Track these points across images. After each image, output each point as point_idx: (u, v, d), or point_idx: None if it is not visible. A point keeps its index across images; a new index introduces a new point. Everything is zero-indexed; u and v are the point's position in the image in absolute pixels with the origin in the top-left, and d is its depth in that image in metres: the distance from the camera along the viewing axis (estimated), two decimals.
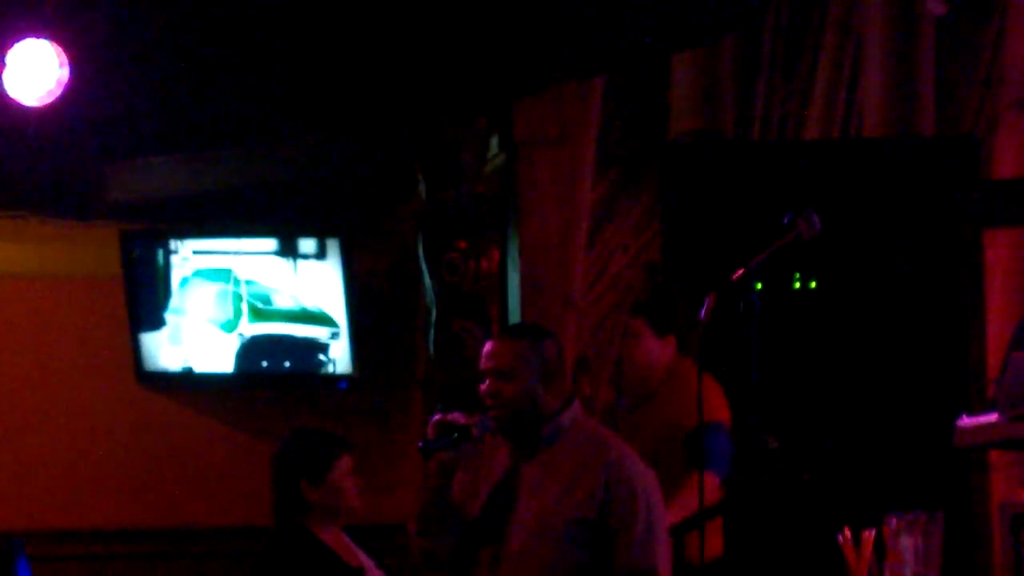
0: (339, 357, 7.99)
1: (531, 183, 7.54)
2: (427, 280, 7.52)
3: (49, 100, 6.57)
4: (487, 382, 4.93)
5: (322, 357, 8.02)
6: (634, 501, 4.80)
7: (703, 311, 4.47)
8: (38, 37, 6.50)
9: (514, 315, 7.49)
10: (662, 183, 7.50)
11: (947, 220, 7.35)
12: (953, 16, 7.36)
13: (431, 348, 7.57)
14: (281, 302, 8.03)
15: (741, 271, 4.50)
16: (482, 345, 5.10)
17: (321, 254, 7.92)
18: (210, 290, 8.10)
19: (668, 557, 4.88)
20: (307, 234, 7.94)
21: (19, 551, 7.79)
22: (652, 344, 6.28)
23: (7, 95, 6.48)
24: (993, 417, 5.34)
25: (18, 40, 6.47)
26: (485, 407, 4.95)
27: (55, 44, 6.54)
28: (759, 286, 4.58)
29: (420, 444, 4.97)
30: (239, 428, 8.18)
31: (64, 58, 6.54)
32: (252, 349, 8.08)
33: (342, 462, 5.35)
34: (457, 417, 4.95)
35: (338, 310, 7.93)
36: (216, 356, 8.11)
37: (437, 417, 5.00)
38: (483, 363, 4.97)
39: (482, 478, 5.03)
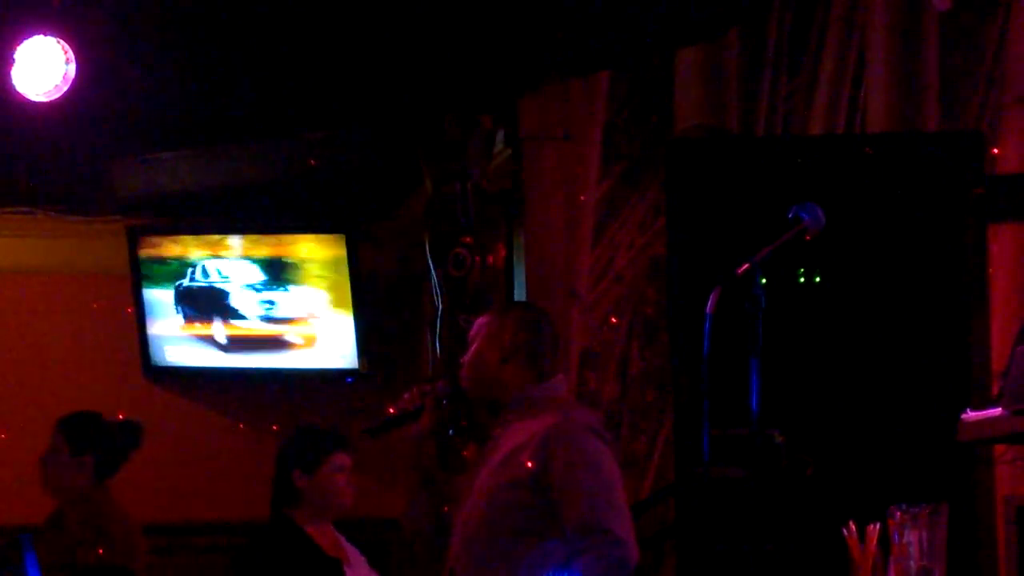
0: (345, 352, 8.01)
1: (536, 179, 7.56)
2: (433, 275, 7.54)
3: (57, 96, 6.59)
4: None
5: (328, 352, 8.04)
6: (575, 464, 4.80)
7: (709, 305, 4.49)
8: (45, 34, 6.53)
9: None
10: (667, 179, 7.51)
11: (952, 215, 7.36)
12: (957, 11, 7.36)
13: (437, 343, 7.58)
14: (288, 297, 8.05)
15: (746, 266, 4.51)
16: None
17: (328, 249, 7.94)
18: (217, 285, 8.12)
19: (624, 518, 4.85)
20: (314, 229, 7.96)
21: (27, 546, 7.82)
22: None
23: (15, 91, 6.51)
24: (997, 411, 5.35)
25: (26, 37, 6.49)
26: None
27: (62, 40, 6.56)
28: (764, 281, 4.59)
29: (364, 429, 5.06)
30: (246, 423, 8.21)
31: (71, 54, 6.56)
32: (259, 344, 8.11)
33: (336, 458, 5.41)
34: (412, 397, 5.02)
35: (344, 305, 7.95)
36: (223, 351, 8.14)
37: (394, 404, 5.08)
38: None
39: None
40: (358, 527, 5.58)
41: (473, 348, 5.03)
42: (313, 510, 5.40)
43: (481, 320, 5.11)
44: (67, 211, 8.16)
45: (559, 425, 4.88)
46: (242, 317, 8.11)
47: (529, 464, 4.80)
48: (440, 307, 7.55)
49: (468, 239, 7.48)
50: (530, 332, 5.03)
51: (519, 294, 7.55)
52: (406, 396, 5.08)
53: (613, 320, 7.50)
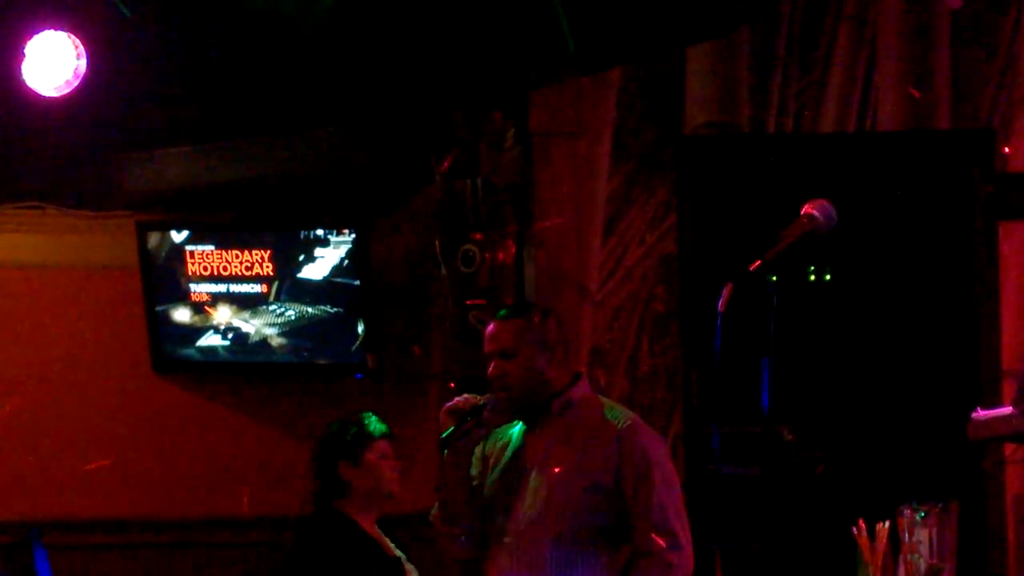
0: (354, 348, 8.01)
1: (547, 175, 7.56)
2: (443, 272, 7.54)
3: (67, 91, 6.59)
4: (492, 364, 5.02)
5: (337, 348, 8.04)
6: (649, 468, 4.86)
7: (720, 302, 4.48)
8: (56, 29, 6.53)
9: None
10: (678, 176, 7.51)
11: (962, 213, 7.36)
12: (969, 9, 7.35)
13: (446, 340, 7.58)
14: (297, 293, 8.05)
15: (757, 263, 4.51)
16: None
17: (337, 245, 7.94)
18: (226, 281, 8.13)
19: (686, 522, 4.91)
20: (323, 225, 7.95)
21: (37, 540, 7.83)
22: None
23: (26, 86, 6.51)
24: (1007, 410, 5.35)
25: (37, 32, 6.50)
26: (493, 389, 5.00)
27: (73, 36, 6.57)
28: (774, 278, 4.58)
29: (442, 438, 5.00)
30: (255, 418, 8.20)
31: (82, 49, 6.57)
32: (267, 339, 8.11)
33: (379, 445, 5.41)
34: (465, 401, 5.00)
35: (353, 301, 7.95)
36: (232, 346, 8.14)
37: (446, 406, 5.05)
38: (487, 346, 5.07)
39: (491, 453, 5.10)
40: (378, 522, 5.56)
41: (521, 357, 4.98)
42: (362, 501, 5.39)
43: (502, 328, 5.03)
44: (76, 205, 8.15)
45: (632, 433, 4.91)
46: (252, 313, 8.11)
47: (610, 472, 4.83)
48: (449, 304, 7.54)
49: (478, 236, 7.47)
50: (563, 332, 5.07)
51: (529, 291, 7.54)
52: (458, 401, 5.05)
53: (623, 316, 7.50)
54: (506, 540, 4.92)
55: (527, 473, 4.97)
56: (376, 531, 5.42)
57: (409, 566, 5.46)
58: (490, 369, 5.03)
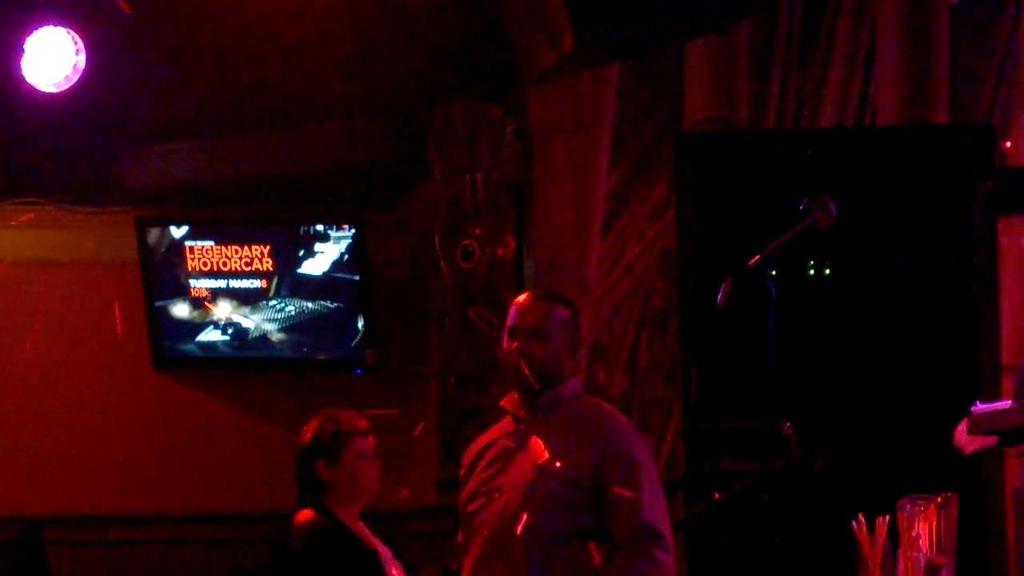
0: (354, 344, 8.01)
1: (546, 170, 7.56)
2: (442, 267, 7.54)
3: (66, 87, 6.60)
4: (519, 340, 4.86)
5: (337, 343, 8.05)
6: (635, 467, 4.82)
7: (719, 297, 4.48)
8: (56, 25, 6.54)
9: None
10: (677, 171, 7.51)
11: (962, 207, 7.35)
12: (968, 4, 7.35)
13: (445, 335, 7.58)
14: (296, 289, 8.05)
15: (757, 258, 4.51)
16: (497, 331, 5.09)
17: (337, 241, 7.95)
18: (225, 277, 8.13)
19: (669, 521, 4.89)
20: (322, 221, 7.96)
21: (36, 535, 7.83)
22: None
23: (25, 82, 6.52)
24: (1007, 404, 5.35)
25: (36, 27, 6.51)
26: (507, 363, 4.94)
27: (72, 31, 6.57)
28: (773, 273, 4.59)
29: None
30: (255, 414, 8.21)
31: (81, 45, 6.58)
32: (267, 334, 8.12)
33: (357, 443, 5.40)
34: None
35: (353, 297, 7.96)
36: (232, 342, 8.15)
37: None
38: (519, 319, 4.89)
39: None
40: (374, 518, 5.57)
41: (555, 343, 4.90)
42: (342, 499, 5.40)
43: (542, 308, 4.89)
44: (75, 201, 8.16)
45: (616, 432, 4.88)
46: (252, 309, 8.12)
47: (591, 470, 4.82)
48: (449, 299, 7.55)
49: (477, 231, 7.47)
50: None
51: (528, 286, 7.54)
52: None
53: (622, 311, 7.50)
54: (485, 533, 4.90)
55: (508, 467, 4.94)
56: (358, 525, 5.43)
57: (394, 561, 5.46)
58: (516, 344, 4.86)
